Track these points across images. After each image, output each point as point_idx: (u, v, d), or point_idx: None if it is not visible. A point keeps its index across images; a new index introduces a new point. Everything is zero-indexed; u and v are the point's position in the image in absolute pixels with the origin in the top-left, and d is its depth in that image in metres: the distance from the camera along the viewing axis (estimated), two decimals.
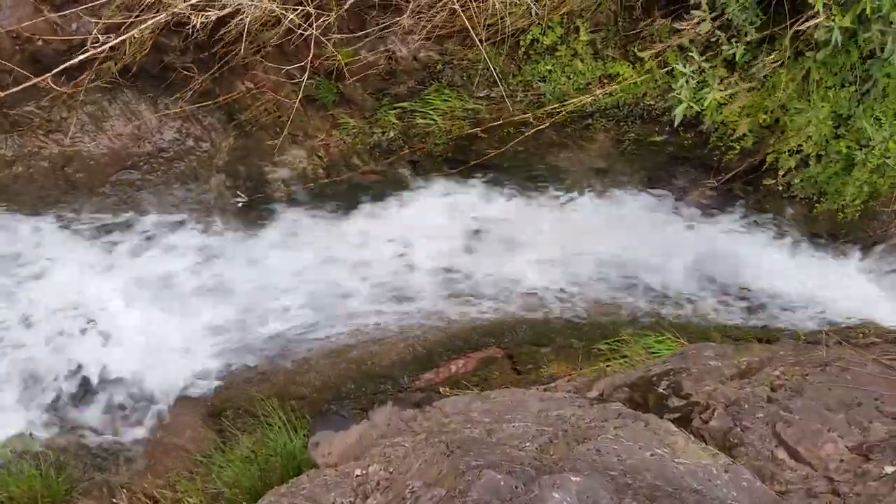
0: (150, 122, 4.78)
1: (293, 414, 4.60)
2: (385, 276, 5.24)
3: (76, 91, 4.44)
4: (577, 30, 4.85)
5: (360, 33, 4.69)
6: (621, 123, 5.20)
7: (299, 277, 5.12)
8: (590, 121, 5.17)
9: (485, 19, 4.61)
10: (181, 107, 4.79)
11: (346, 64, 4.69)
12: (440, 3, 4.57)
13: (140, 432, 4.70)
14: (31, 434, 4.52)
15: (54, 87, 4.27)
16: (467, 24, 4.53)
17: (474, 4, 4.49)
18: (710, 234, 5.50)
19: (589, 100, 4.99)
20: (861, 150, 4.87)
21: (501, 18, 4.62)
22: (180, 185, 4.90)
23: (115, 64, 4.52)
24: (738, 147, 5.17)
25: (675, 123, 4.75)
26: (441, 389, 4.93)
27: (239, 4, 3.97)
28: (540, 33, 4.83)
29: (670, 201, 5.43)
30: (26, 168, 4.44)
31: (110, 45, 4.17)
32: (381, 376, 4.96)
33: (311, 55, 4.49)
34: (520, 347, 4.98)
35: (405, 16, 4.64)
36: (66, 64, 4.14)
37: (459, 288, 5.30)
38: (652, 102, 5.09)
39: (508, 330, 5.11)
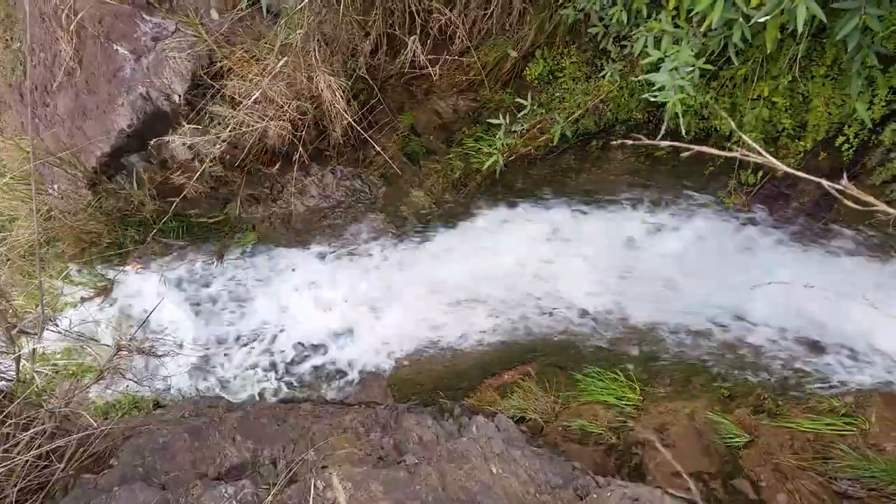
0: (330, 185, 6.99)
1: None
2: None
3: (284, 173, 7.01)
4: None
5: (412, 101, 5.85)
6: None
7: None
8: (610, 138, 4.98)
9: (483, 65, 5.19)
10: (343, 172, 6.84)
11: (411, 125, 5.93)
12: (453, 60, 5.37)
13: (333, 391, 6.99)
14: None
15: (273, 172, 6.96)
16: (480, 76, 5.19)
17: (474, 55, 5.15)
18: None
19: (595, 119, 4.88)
20: None
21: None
22: (355, 223, 6.96)
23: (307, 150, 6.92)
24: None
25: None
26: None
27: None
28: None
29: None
30: (269, 224, 7.25)
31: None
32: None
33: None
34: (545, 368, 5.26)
35: (435, 77, 5.60)
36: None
37: None
38: None
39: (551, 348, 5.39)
